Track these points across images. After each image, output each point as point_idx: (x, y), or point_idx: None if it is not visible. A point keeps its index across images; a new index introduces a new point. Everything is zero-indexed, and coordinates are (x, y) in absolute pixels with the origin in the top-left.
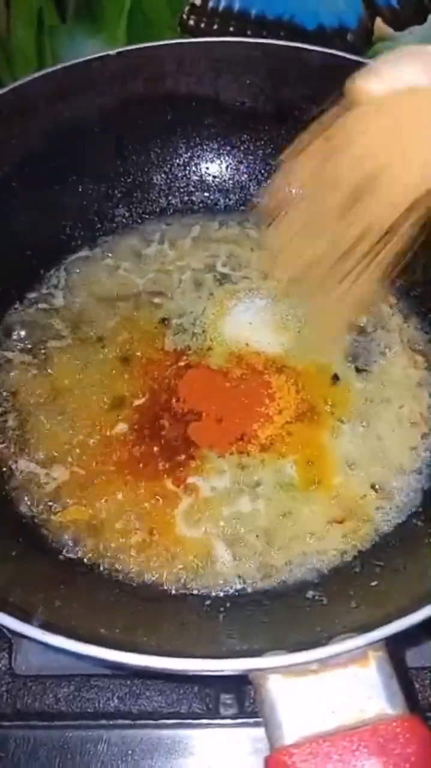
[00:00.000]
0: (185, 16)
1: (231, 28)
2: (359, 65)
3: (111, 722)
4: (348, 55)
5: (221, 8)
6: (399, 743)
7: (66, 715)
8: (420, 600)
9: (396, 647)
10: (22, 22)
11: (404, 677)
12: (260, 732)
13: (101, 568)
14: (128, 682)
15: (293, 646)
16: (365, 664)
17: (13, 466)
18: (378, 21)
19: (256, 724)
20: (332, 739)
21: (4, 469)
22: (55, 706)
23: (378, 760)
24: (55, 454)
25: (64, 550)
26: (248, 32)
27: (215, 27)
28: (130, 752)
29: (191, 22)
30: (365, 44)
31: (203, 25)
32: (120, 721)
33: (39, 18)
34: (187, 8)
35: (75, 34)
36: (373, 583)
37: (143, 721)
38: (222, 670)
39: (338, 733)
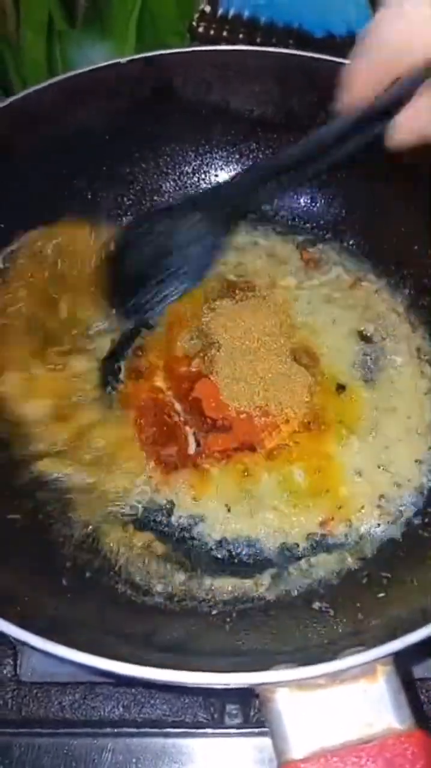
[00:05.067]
0: (194, 23)
1: (241, 36)
2: None
3: (116, 730)
4: None
5: (230, 15)
6: (407, 759)
7: (71, 723)
8: (428, 613)
9: (403, 659)
10: (32, 27)
11: (411, 690)
12: (264, 742)
13: (108, 577)
14: (133, 690)
15: (301, 658)
16: (373, 679)
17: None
18: None
19: (261, 734)
20: (339, 754)
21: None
22: (59, 714)
23: None
24: (61, 456)
25: (71, 559)
26: (258, 40)
27: (225, 34)
28: (134, 760)
29: (201, 29)
30: None
31: (212, 32)
32: (125, 729)
33: (49, 24)
34: (197, 15)
35: (84, 39)
36: (380, 595)
37: (147, 730)
38: (229, 684)
39: (345, 748)
